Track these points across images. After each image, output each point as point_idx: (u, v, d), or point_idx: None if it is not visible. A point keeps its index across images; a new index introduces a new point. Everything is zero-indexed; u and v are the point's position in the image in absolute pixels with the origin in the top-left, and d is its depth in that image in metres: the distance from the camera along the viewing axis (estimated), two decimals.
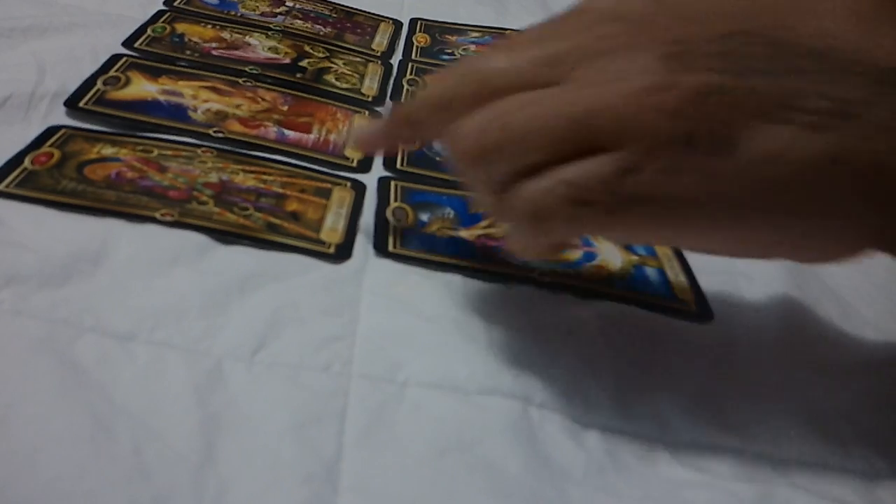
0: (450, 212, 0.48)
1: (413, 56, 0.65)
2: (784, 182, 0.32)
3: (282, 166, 0.48)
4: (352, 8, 0.70)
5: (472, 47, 0.67)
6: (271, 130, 0.51)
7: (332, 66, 0.60)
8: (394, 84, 0.60)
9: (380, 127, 0.42)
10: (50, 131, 0.47)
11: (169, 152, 0.47)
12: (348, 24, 0.68)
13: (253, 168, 0.47)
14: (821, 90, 0.33)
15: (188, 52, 0.57)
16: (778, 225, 0.33)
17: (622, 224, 0.33)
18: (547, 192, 0.33)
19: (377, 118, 0.43)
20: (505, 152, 0.34)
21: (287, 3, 0.68)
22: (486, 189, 0.35)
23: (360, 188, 0.48)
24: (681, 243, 0.35)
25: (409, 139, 0.41)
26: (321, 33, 0.65)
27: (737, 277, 0.47)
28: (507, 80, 0.34)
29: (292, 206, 0.45)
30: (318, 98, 0.56)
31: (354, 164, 0.50)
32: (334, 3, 0.70)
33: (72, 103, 0.50)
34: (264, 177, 0.47)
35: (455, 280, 0.43)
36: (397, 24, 0.70)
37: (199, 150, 0.48)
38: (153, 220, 0.42)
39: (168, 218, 0.42)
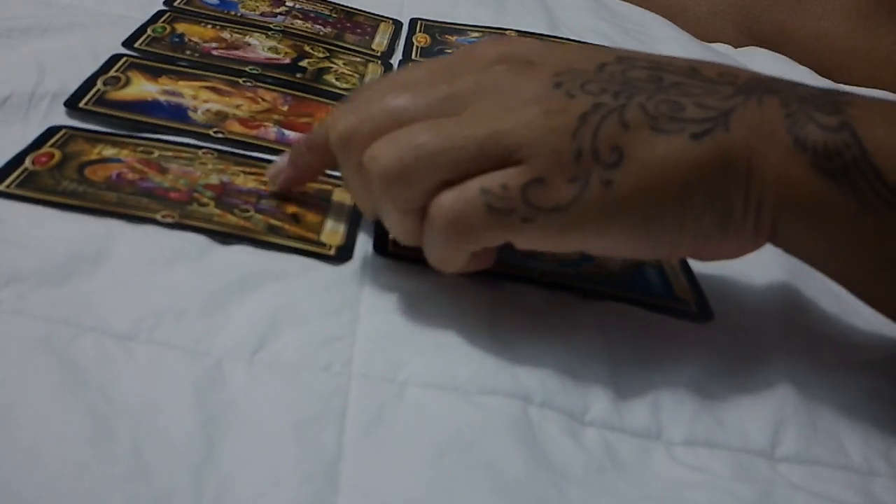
0: None
1: (413, 56, 0.65)
2: (679, 184, 0.36)
3: None
4: (352, 8, 0.70)
5: None
6: (271, 131, 0.51)
7: (333, 66, 0.60)
8: None
9: (285, 158, 0.45)
10: (50, 131, 0.47)
11: (170, 153, 0.47)
12: (348, 24, 0.68)
13: (253, 170, 0.47)
14: (700, 101, 0.37)
15: (188, 53, 0.57)
16: (676, 224, 0.37)
17: (538, 231, 0.36)
18: (465, 200, 0.36)
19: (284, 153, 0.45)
20: (422, 171, 0.37)
21: (287, 3, 0.68)
22: (406, 209, 0.38)
23: None
24: (591, 247, 0.38)
25: (312, 167, 0.44)
26: (321, 33, 0.65)
27: (737, 277, 0.47)
28: (411, 116, 0.38)
29: (293, 208, 0.45)
30: (319, 98, 0.56)
31: None
32: (334, 3, 0.70)
33: (72, 103, 0.50)
34: (265, 179, 0.46)
35: (455, 281, 0.43)
36: (397, 24, 0.70)
37: (199, 152, 0.48)
38: (154, 221, 0.42)
39: (169, 220, 0.42)
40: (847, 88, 0.73)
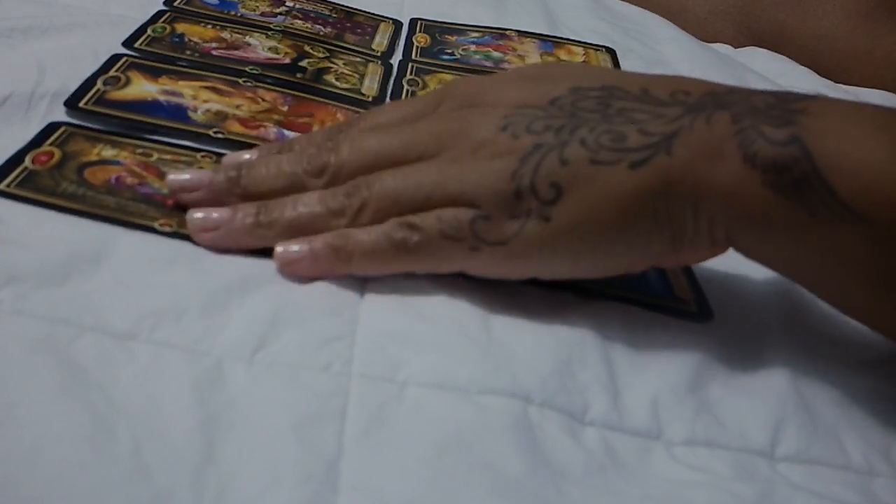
0: None
1: (413, 56, 0.65)
2: (620, 212, 0.38)
3: None
4: (352, 8, 0.70)
5: (472, 47, 0.67)
6: (271, 131, 0.51)
7: (333, 66, 0.60)
8: (394, 84, 0.60)
9: (204, 176, 0.44)
10: (51, 128, 0.47)
11: (168, 157, 0.47)
12: (348, 24, 0.68)
13: None
14: (643, 128, 0.39)
15: (188, 53, 0.57)
16: (624, 248, 0.39)
17: (485, 260, 0.40)
18: (425, 221, 0.40)
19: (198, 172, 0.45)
20: (390, 209, 0.41)
21: (287, 3, 0.68)
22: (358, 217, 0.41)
23: None
24: (539, 275, 0.41)
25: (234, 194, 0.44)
26: (321, 33, 0.65)
27: (737, 277, 0.47)
28: (390, 158, 0.42)
29: None
30: (319, 98, 0.56)
31: None
32: (334, 3, 0.70)
33: (72, 103, 0.50)
34: None
35: (455, 280, 0.43)
36: (397, 24, 0.70)
37: (198, 155, 0.48)
38: (152, 230, 0.42)
39: (167, 228, 0.42)
40: (846, 89, 0.73)
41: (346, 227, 0.41)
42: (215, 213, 0.42)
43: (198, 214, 0.42)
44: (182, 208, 0.43)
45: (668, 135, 0.38)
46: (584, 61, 0.67)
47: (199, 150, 0.48)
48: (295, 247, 0.41)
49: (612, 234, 0.39)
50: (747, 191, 0.37)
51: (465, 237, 0.39)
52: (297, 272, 0.41)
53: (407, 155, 0.42)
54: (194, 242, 0.42)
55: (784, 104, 0.38)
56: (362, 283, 0.42)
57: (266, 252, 0.42)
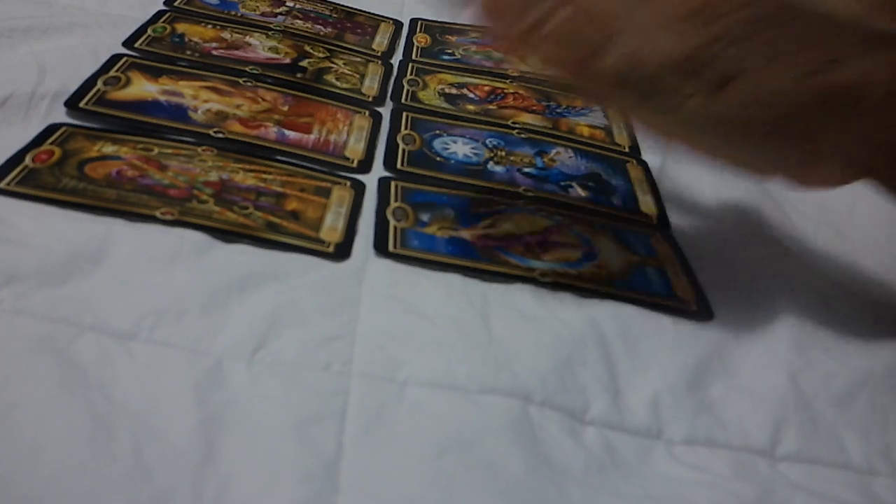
0: (450, 212, 0.48)
1: (413, 56, 0.65)
2: (780, 114, 0.40)
3: (282, 165, 0.48)
4: (352, 8, 0.70)
5: (473, 47, 0.67)
6: (271, 131, 0.51)
7: (333, 66, 0.60)
8: (394, 84, 0.60)
9: None
10: (51, 129, 0.47)
11: (169, 150, 0.47)
12: (348, 25, 0.68)
13: (253, 167, 0.47)
14: (815, 47, 0.40)
15: (188, 53, 0.57)
16: (777, 147, 0.40)
17: (652, 111, 0.41)
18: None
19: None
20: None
21: (287, 3, 0.68)
22: None
23: (359, 188, 0.48)
24: (693, 144, 0.42)
25: None
26: (321, 33, 0.65)
27: (737, 276, 0.47)
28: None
29: (292, 204, 0.45)
30: (319, 98, 0.56)
31: (354, 164, 0.50)
32: (334, 3, 0.70)
33: (72, 103, 0.50)
34: (264, 176, 0.47)
35: (455, 280, 0.43)
36: (398, 25, 0.70)
37: (199, 149, 0.48)
38: (153, 218, 0.42)
39: (168, 217, 0.42)
40: None
41: None
42: None
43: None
44: (183, 198, 0.43)
45: (836, 56, 0.40)
46: None
47: (199, 144, 0.48)
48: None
49: (769, 129, 0.40)
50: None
51: (639, 84, 0.40)
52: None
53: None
54: (195, 230, 0.42)
55: None
56: (362, 283, 0.42)
57: (266, 251, 0.42)
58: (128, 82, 0.53)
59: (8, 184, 0.43)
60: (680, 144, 0.42)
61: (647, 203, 0.53)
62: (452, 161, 0.53)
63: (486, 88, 0.61)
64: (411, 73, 0.62)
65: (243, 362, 0.36)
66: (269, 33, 0.62)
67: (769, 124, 0.40)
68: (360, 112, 0.56)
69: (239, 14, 0.65)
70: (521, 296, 0.42)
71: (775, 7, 0.42)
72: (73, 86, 0.51)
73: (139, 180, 0.44)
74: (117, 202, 0.42)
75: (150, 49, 0.57)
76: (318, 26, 0.66)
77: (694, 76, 0.40)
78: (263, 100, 0.54)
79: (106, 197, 0.43)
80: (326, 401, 0.35)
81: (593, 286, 0.44)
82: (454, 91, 0.60)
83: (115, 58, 0.55)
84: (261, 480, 0.32)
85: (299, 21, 0.66)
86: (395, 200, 0.48)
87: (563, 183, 0.53)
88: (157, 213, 0.42)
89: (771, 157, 0.42)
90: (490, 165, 0.53)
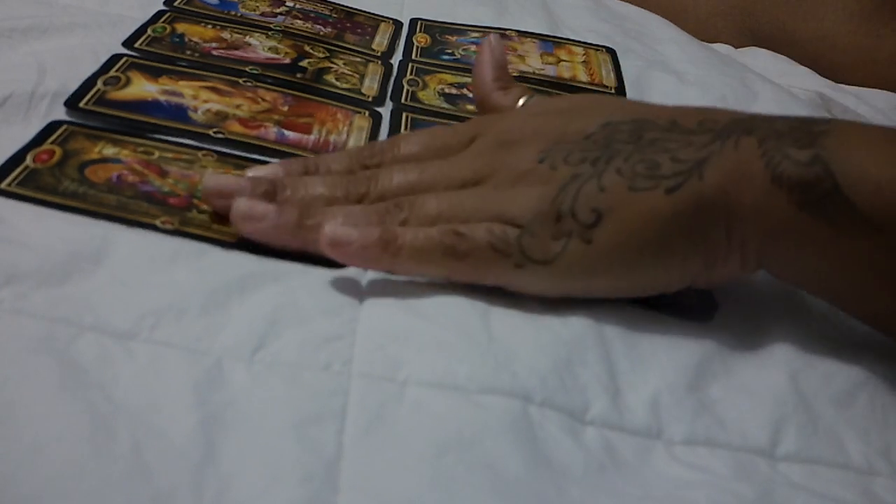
0: None
1: (413, 56, 0.65)
2: (658, 235, 0.40)
3: None
4: (352, 8, 0.70)
5: (473, 47, 0.67)
6: (271, 131, 0.51)
7: (333, 66, 0.60)
8: (394, 84, 0.60)
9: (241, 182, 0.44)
10: (52, 126, 0.47)
11: (170, 155, 0.47)
12: (348, 24, 0.68)
13: None
14: (676, 156, 0.41)
15: (188, 53, 0.57)
16: (661, 270, 0.41)
17: (528, 277, 0.41)
18: (475, 231, 0.41)
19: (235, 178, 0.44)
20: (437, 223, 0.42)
21: (287, 3, 0.68)
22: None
23: None
24: (579, 294, 0.42)
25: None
26: (321, 33, 0.65)
27: None
28: (447, 183, 0.44)
29: None
30: (319, 98, 0.56)
31: None
32: (334, 3, 0.70)
33: (72, 103, 0.50)
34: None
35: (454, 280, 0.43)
36: (397, 25, 0.70)
37: (199, 154, 0.48)
38: (153, 227, 0.42)
39: (168, 226, 0.42)
40: (847, 89, 0.73)
41: None
42: (261, 206, 0.41)
43: (244, 203, 0.41)
44: (183, 207, 0.43)
45: (699, 161, 0.41)
46: (584, 62, 0.67)
47: (200, 149, 0.48)
48: (346, 229, 0.41)
49: (650, 256, 0.41)
50: (775, 209, 0.40)
51: (511, 252, 0.40)
52: (341, 255, 0.41)
53: (448, 187, 0.43)
54: (195, 240, 0.42)
55: (806, 127, 0.41)
56: (362, 283, 0.42)
57: (266, 252, 0.42)
58: (128, 82, 0.53)
59: (9, 184, 0.43)
60: (559, 294, 0.42)
61: None
62: None
63: None
64: (411, 73, 0.62)
65: (243, 362, 0.36)
66: (269, 33, 0.62)
67: (652, 246, 0.40)
68: (360, 112, 0.56)
69: (239, 14, 0.65)
70: (520, 295, 0.42)
71: (629, 123, 0.43)
72: (73, 86, 0.51)
73: (139, 186, 0.44)
74: (117, 208, 0.42)
75: (149, 49, 0.57)
76: (318, 26, 0.66)
77: (563, 221, 0.40)
78: (263, 100, 0.54)
79: (106, 203, 0.43)
80: (326, 401, 0.35)
81: None
82: (454, 91, 0.60)
83: (115, 58, 0.55)
84: (261, 480, 0.32)
85: (299, 21, 0.66)
86: None
87: None
88: (157, 223, 0.42)
89: (659, 278, 0.41)
90: None
